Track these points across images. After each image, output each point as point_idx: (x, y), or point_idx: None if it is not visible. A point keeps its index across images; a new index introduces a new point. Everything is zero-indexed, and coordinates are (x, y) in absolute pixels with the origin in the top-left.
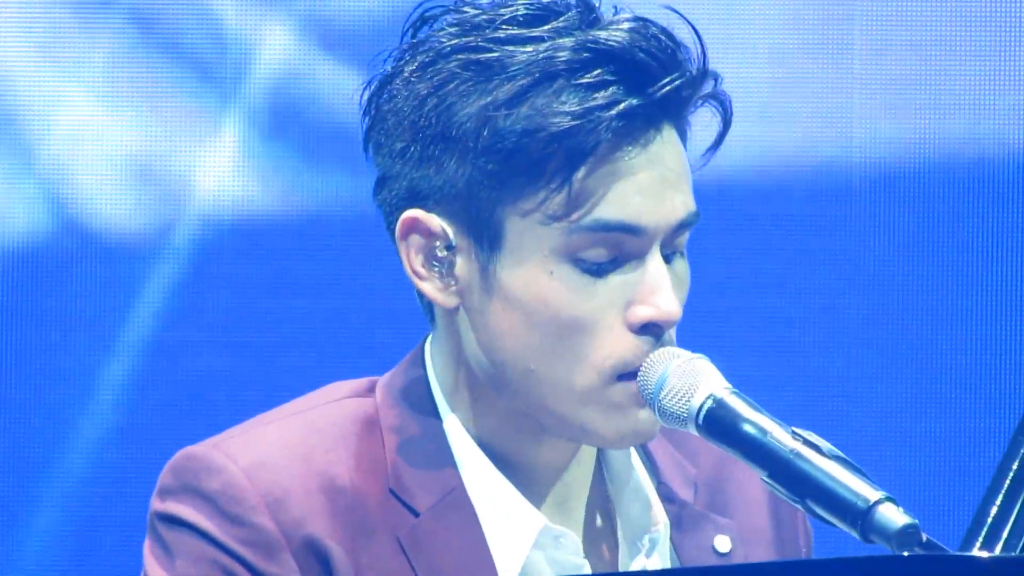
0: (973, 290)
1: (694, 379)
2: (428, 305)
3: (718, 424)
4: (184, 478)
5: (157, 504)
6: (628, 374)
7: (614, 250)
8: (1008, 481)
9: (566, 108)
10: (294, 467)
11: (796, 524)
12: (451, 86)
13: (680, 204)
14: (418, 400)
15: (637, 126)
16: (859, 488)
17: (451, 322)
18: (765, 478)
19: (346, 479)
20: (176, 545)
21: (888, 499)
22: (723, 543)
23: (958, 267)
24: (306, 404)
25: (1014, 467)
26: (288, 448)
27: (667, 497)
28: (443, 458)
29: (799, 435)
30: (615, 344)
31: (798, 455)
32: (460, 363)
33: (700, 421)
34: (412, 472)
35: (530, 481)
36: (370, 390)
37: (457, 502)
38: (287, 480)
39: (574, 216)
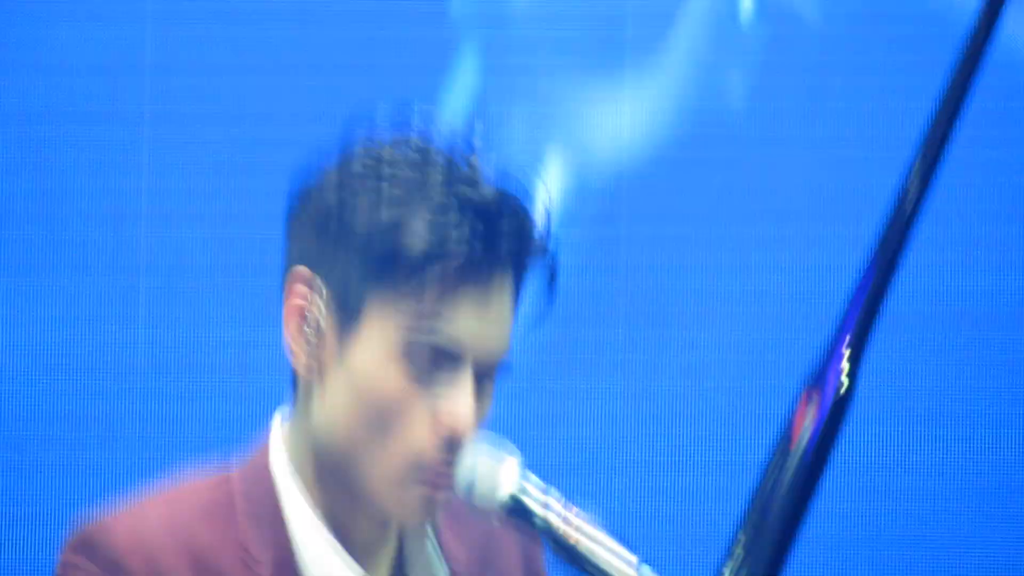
0: None
1: (495, 480)
2: (292, 362)
3: (516, 516)
4: (80, 545)
5: (63, 556)
6: (425, 479)
7: (438, 362)
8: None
9: (437, 240)
10: (172, 537)
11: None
12: (356, 198)
13: (496, 344)
14: (266, 476)
15: (481, 271)
16: (619, 564)
17: (307, 392)
18: (552, 552)
19: (209, 544)
20: None
21: (642, 564)
22: None
23: None
24: (182, 483)
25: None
26: (166, 521)
27: (448, 557)
28: (279, 524)
29: (571, 521)
30: (421, 441)
31: (575, 544)
32: (308, 434)
33: (501, 514)
34: (258, 539)
35: (356, 546)
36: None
37: (288, 562)
38: (162, 548)
39: (419, 323)
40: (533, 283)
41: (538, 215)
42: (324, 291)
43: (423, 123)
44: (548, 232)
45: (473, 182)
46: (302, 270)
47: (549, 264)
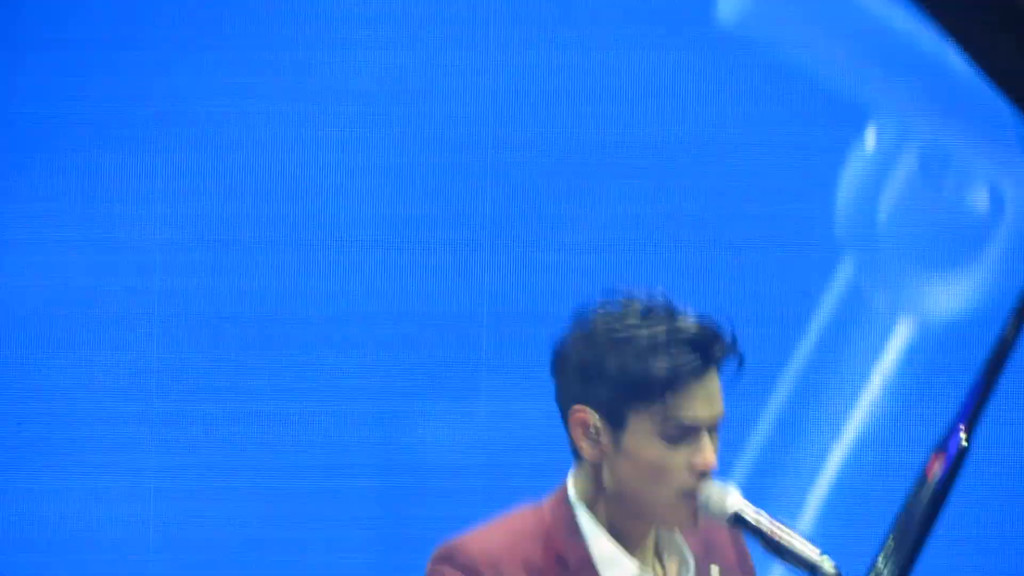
0: None
1: (724, 501)
2: (576, 452)
3: (738, 523)
4: (446, 554)
5: (429, 568)
6: (691, 495)
7: (685, 431)
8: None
9: (665, 365)
10: (510, 550)
11: (749, 563)
12: (600, 349)
13: (717, 412)
14: (567, 510)
15: (698, 372)
16: (810, 552)
17: (594, 466)
18: (761, 546)
19: (533, 555)
20: None
21: (825, 558)
22: (716, 572)
23: None
24: (511, 514)
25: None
26: (504, 540)
27: (686, 544)
28: (580, 539)
29: (774, 525)
30: (685, 481)
31: (779, 540)
32: (596, 485)
33: (728, 523)
34: (566, 548)
35: (629, 545)
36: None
37: (587, 562)
38: (503, 557)
39: (667, 416)
40: (730, 368)
41: (722, 327)
42: (594, 413)
43: (628, 290)
44: (732, 335)
45: (676, 320)
46: (581, 409)
47: (738, 355)
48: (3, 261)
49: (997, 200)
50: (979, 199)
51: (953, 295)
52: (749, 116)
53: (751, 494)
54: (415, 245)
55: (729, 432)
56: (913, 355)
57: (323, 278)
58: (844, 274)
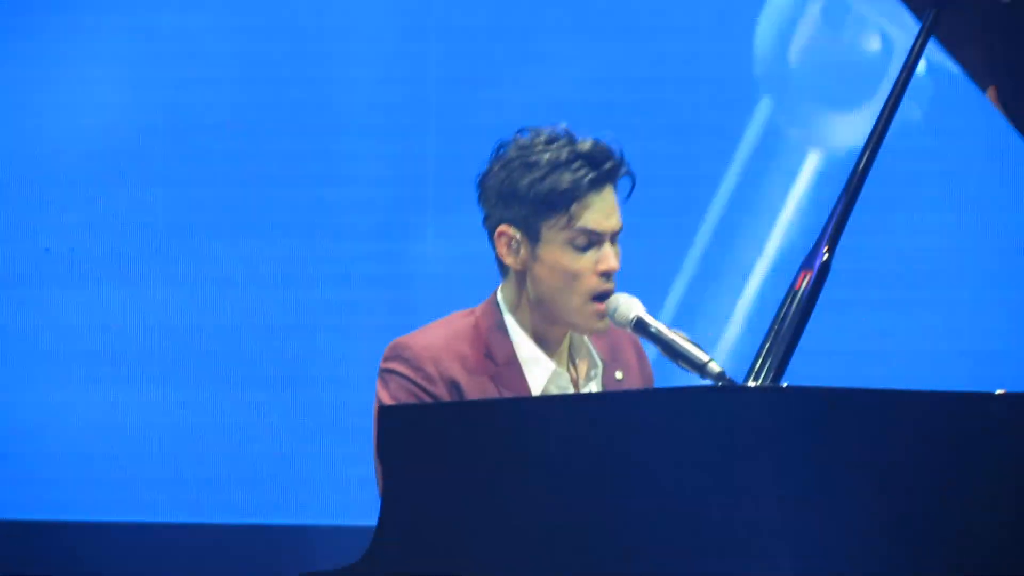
0: None
1: (629, 308)
2: (502, 266)
3: (639, 329)
4: (393, 352)
5: (382, 364)
6: (598, 297)
7: (589, 239)
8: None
9: (567, 179)
10: (446, 346)
11: (648, 369)
12: (514, 173)
13: (616, 222)
14: (496, 315)
15: (597, 185)
16: (700, 354)
17: (516, 275)
18: (658, 350)
19: (466, 351)
20: (390, 382)
21: (711, 361)
22: (619, 375)
23: None
24: (449, 317)
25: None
26: (442, 338)
27: (594, 348)
28: (506, 340)
29: (675, 331)
30: (592, 283)
31: (672, 342)
32: (520, 294)
33: (631, 327)
34: (495, 347)
35: (548, 348)
36: (475, 311)
37: (513, 359)
38: (441, 353)
39: (572, 225)
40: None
41: (615, 147)
42: (515, 233)
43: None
44: (622, 156)
45: (575, 143)
46: (503, 227)
47: (629, 173)
48: None
49: (887, 44)
50: (872, 43)
51: (852, 127)
52: None
53: (684, 309)
54: None
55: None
56: (821, 181)
57: None
58: (761, 112)
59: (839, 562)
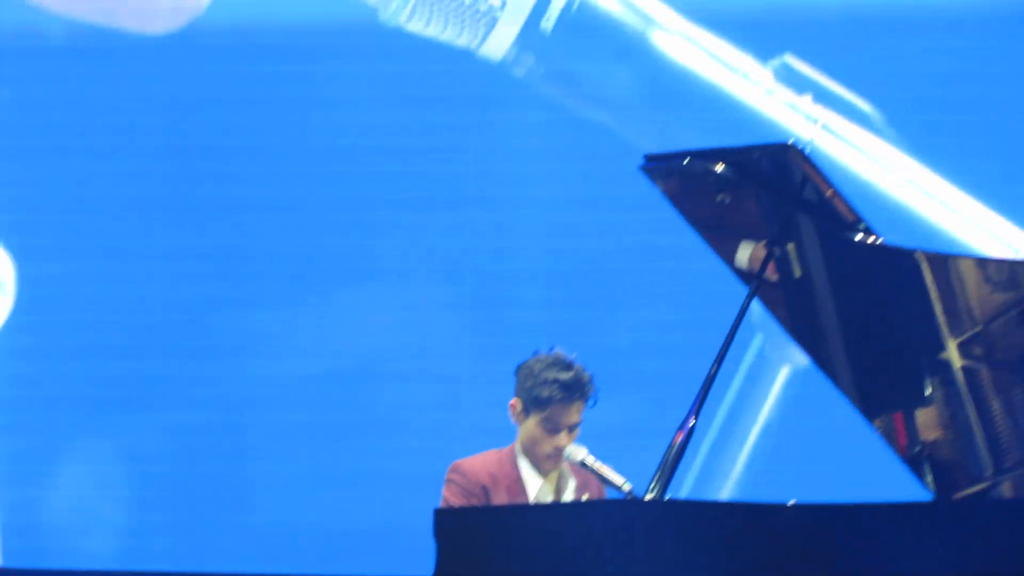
0: None
1: (576, 454)
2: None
3: (583, 465)
4: (451, 469)
5: (446, 476)
6: (557, 452)
7: (555, 426)
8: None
9: (546, 393)
10: (482, 469)
11: (604, 491)
12: (524, 375)
13: (574, 422)
14: (513, 453)
15: (566, 401)
16: (617, 478)
17: (520, 431)
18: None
19: (495, 472)
20: (448, 487)
21: (625, 482)
22: (584, 496)
23: None
24: (487, 452)
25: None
26: (480, 463)
27: (572, 475)
28: (516, 468)
29: (605, 464)
30: (552, 449)
31: (601, 471)
32: (521, 439)
33: (579, 465)
34: (510, 470)
35: (540, 472)
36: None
37: (519, 479)
38: (478, 473)
39: (545, 419)
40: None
41: (590, 381)
42: (520, 405)
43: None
44: (592, 382)
45: (568, 371)
46: (515, 400)
47: (595, 395)
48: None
49: None
50: None
51: None
52: None
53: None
54: None
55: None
56: None
57: None
58: None
59: None
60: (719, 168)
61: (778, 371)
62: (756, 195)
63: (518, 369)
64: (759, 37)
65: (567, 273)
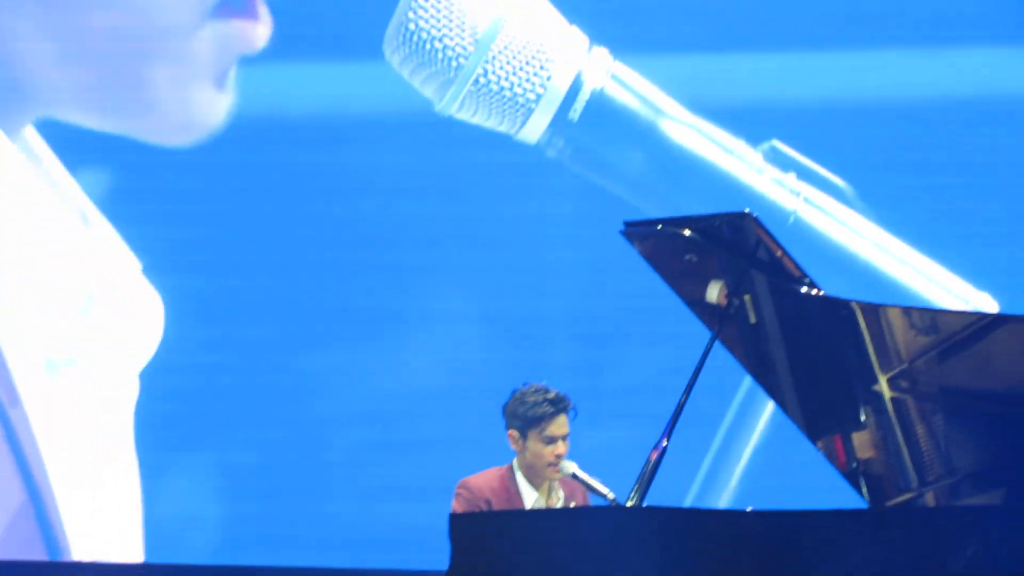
0: None
1: (567, 467)
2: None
3: (574, 477)
4: (460, 485)
5: (455, 490)
6: (553, 464)
7: (551, 441)
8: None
9: (539, 412)
10: (486, 484)
11: (588, 500)
12: (516, 405)
13: (565, 432)
14: (511, 471)
15: (554, 416)
16: (603, 489)
17: (520, 454)
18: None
19: (496, 487)
20: (457, 499)
21: (609, 492)
22: (572, 504)
23: None
24: (490, 470)
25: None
26: (484, 479)
27: (562, 487)
28: (515, 482)
29: (592, 477)
30: (550, 461)
31: (588, 482)
32: (521, 458)
33: (570, 477)
34: (509, 485)
35: (535, 485)
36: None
37: (517, 492)
38: (483, 487)
39: (543, 434)
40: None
41: (567, 398)
42: (517, 432)
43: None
44: (569, 398)
45: (547, 395)
46: (511, 431)
47: (574, 409)
48: None
49: None
50: None
51: None
52: None
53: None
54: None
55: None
56: None
57: None
58: None
59: None
60: (686, 232)
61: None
62: (718, 255)
63: (505, 407)
64: (750, 125)
65: (588, 318)
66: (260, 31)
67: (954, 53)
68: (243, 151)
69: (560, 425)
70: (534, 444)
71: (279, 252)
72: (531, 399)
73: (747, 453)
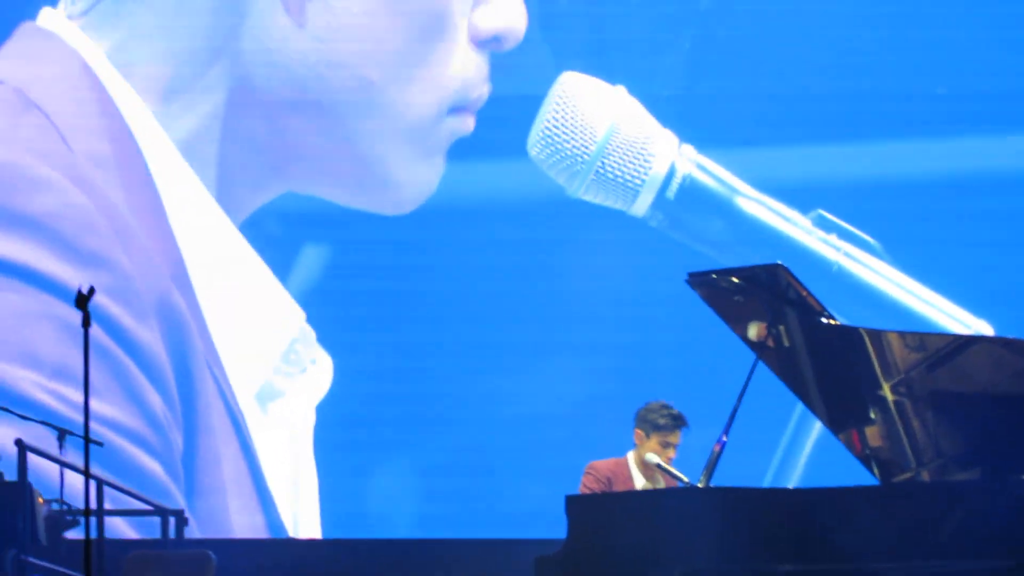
0: None
1: (652, 458)
2: (635, 443)
3: (659, 467)
4: (588, 467)
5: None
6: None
7: (665, 447)
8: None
9: (662, 422)
10: (607, 468)
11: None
12: (645, 413)
13: (677, 442)
14: (626, 462)
15: (671, 429)
16: (681, 476)
17: (637, 448)
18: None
19: (614, 469)
20: (584, 478)
21: (686, 479)
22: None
23: None
24: (610, 459)
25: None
26: (605, 465)
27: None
28: (628, 469)
29: (670, 466)
30: (667, 458)
31: (670, 471)
32: (637, 453)
33: (654, 467)
34: (624, 471)
35: (647, 476)
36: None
37: (630, 476)
38: (605, 470)
39: (661, 440)
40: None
41: (683, 416)
42: (642, 432)
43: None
44: (682, 419)
45: (670, 410)
46: (638, 430)
47: (687, 426)
48: None
49: None
50: None
51: None
52: None
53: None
54: None
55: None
56: None
57: None
58: None
59: None
60: (734, 279)
61: None
62: (759, 296)
63: (638, 412)
64: (801, 199)
65: (682, 351)
66: (471, 123)
67: (951, 142)
68: (417, 230)
69: (676, 437)
70: (652, 444)
71: (449, 311)
72: (661, 412)
73: (809, 444)
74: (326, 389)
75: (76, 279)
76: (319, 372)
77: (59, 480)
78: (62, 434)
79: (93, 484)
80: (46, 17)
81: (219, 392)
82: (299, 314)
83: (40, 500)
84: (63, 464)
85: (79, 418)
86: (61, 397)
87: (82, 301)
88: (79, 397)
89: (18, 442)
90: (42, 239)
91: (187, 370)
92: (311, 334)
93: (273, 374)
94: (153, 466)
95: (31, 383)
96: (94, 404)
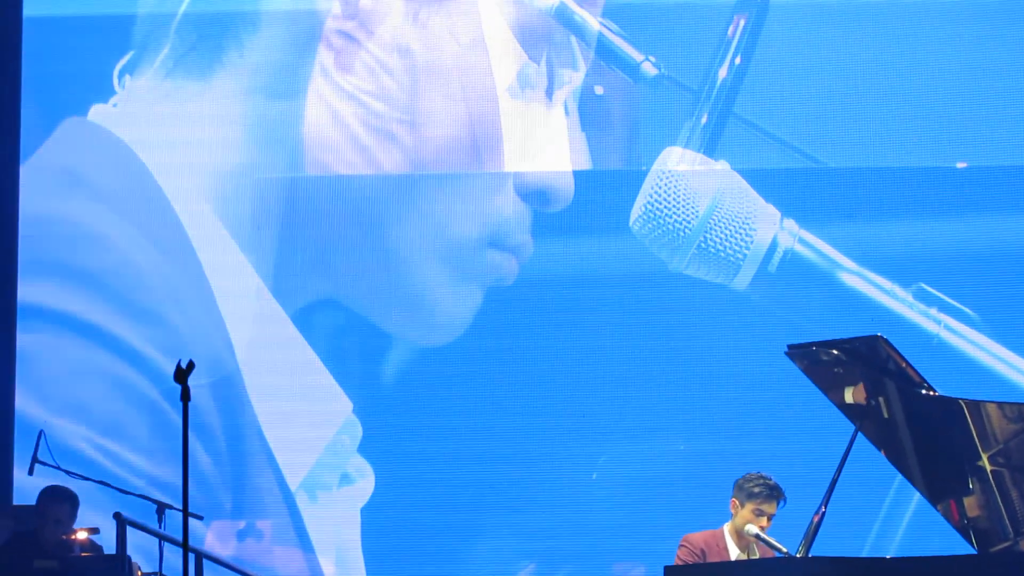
0: None
1: (751, 530)
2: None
3: (757, 537)
4: (683, 539)
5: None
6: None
7: (760, 516)
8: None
9: (756, 492)
10: (702, 541)
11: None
12: (742, 482)
13: (772, 512)
14: (722, 533)
15: (769, 500)
16: (779, 545)
17: (733, 519)
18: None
19: (710, 542)
20: (679, 551)
21: (784, 548)
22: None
23: None
24: (706, 531)
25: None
26: (700, 537)
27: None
28: (723, 542)
29: (769, 536)
30: (761, 527)
31: (768, 541)
32: (732, 523)
33: (753, 537)
34: (720, 543)
35: (740, 547)
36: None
37: (725, 549)
38: (700, 543)
39: (756, 509)
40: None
41: (781, 490)
42: (738, 501)
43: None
44: (780, 492)
45: (767, 481)
46: (734, 499)
47: (785, 499)
48: None
49: None
50: None
51: None
52: None
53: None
54: None
55: None
56: None
57: None
58: None
59: None
60: (834, 351)
61: None
62: (859, 368)
63: (736, 481)
64: (902, 272)
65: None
66: (513, 265)
67: None
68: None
69: (771, 507)
70: (747, 514)
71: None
72: (757, 481)
73: (907, 515)
74: (369, 492)
75: (130, 335)
76: (361, 477)
77: (158, 554)
78: (161, 508)
79: (192, 557)
80: (96, 112)
81: (269, 462)
82: (347, 404)
83: (139, 573)
84: (162, 538)
85: (126, 475)
86: (109, 453)
87: (181, 376)
88: (128, 455)
89: (116, 515)
90: (96, 294)
91: (239, 434)
92: (359, 429)
93: (316, 466)
94: (196, 524)
95: (80, 438)
96: (143, 463)
